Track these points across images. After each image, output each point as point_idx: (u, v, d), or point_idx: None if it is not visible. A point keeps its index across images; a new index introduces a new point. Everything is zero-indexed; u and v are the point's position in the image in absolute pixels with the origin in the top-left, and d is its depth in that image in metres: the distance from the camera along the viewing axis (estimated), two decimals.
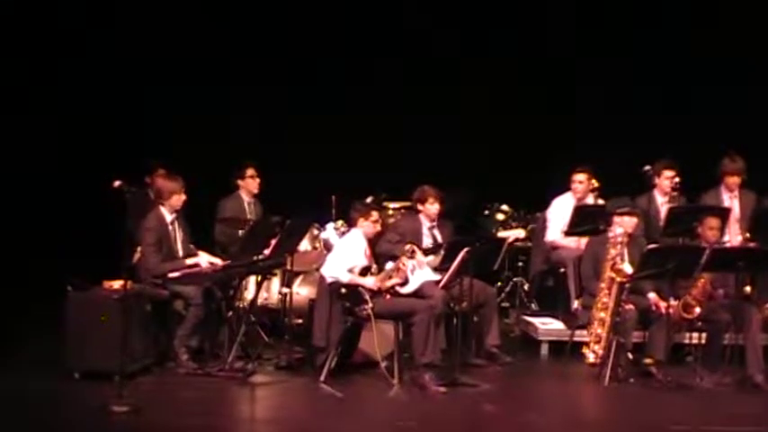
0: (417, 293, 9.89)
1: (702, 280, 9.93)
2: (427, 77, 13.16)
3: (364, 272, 9.80)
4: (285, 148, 12.78)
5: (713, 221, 10.33)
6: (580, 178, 11.37)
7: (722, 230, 10.54)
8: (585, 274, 10.39)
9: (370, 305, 9.60)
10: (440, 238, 10.50)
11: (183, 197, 10.14)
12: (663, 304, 9.94)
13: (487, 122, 13.06)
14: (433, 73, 13.17)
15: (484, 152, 13.10)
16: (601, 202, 11.19)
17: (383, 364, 9.66)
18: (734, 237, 10.95)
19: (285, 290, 10.67)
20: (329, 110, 13.05)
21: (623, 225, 10.21)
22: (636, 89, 13.10)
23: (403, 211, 11.74)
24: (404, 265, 9.80)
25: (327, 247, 11.21)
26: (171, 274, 9.89)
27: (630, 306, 9.94)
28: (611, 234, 10.20)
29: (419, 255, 9.97)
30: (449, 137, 13.07)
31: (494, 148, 13.13)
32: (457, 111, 13.15)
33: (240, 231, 10.85)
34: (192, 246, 10.24)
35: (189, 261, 10.05)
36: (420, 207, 10.55)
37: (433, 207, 10.48)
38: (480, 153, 13.09)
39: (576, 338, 10.41)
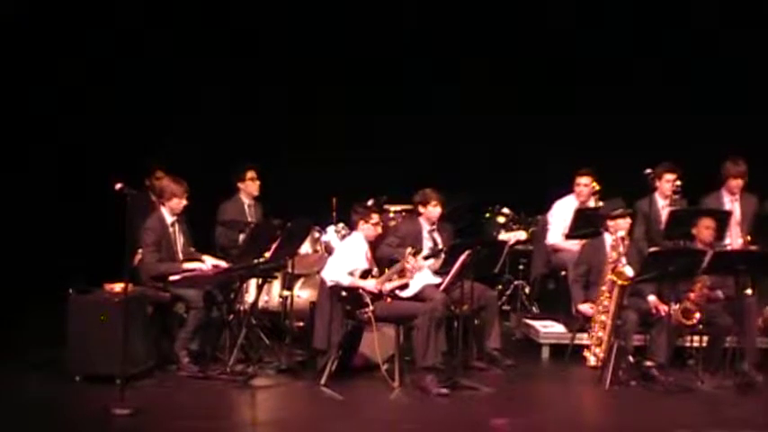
0: (418, 296, 9.90)
1: (699, 283, 9.94)
2: (427, 77, 13.14)
3: (365, 275, 9.79)
4: (285, 150, 12.76)
5: (708, 221, 10.33)
6: (585, 181, 11.37)
7: (722, 232, 10.54)
8: (570, 277, 10.46)
9: (371, 308, 9.60)
10: (440, 241, 10.48)
11: (184, 202, 10.10)
12: (663, 307, 9.95)
13: (487, 122, 13.05)
14: (432, 73, 13.15)
15: (484, 152, 13.09)
16: (601, 204, 11.18)
17: (384, 367, 9.66)
18: (735, 240, 10.94)
19: (286, 293, 10.69)
20: (329, 110, 13.03)
21: (618, 227, 10.22)
22: (636, 89, 13.09)
23: (404, 213, 11.73)
24: (407, 266, 9.80)
25: (328, 249, 11.21)
26: (172, 277, 9.88)
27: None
28: (609, 237, 10.22)
29: (420, 258, 9.97)
30: (449, 137, 13.05)
31: (494, 148, 13.12)
32: (457, 111, 13.14)
33: (241, 234, 10.83)
34: (193, 249, 10.24)
35: (189, 265, 10.03)
36: (421, 210, 10.52)
37: (434, 210, 10.46)
38: (480, 153, 13.08)
39: (576, 341, 10.44)
